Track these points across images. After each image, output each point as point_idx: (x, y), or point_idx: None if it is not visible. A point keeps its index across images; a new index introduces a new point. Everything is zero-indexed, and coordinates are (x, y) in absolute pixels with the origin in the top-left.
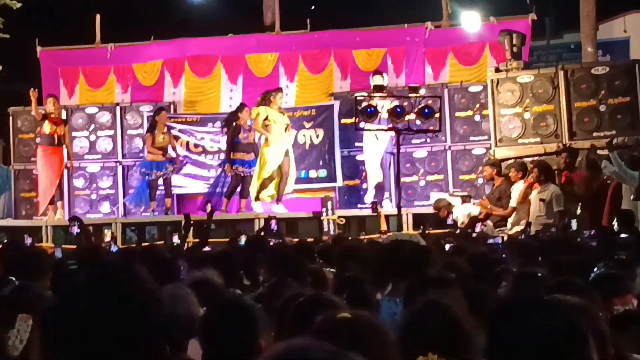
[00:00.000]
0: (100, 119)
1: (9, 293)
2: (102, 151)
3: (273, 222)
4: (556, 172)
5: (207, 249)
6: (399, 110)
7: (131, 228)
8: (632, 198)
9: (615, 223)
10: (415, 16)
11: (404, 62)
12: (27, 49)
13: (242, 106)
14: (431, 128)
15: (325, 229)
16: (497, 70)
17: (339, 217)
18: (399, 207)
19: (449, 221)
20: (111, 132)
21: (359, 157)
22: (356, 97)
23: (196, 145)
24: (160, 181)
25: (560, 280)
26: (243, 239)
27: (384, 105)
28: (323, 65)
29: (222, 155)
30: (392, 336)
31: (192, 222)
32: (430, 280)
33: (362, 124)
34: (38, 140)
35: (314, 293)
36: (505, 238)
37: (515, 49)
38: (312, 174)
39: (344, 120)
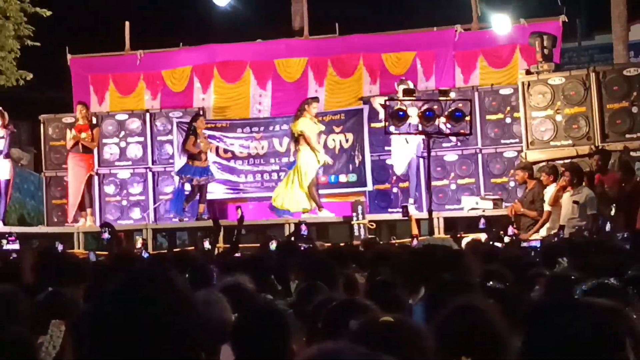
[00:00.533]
0: (130, 125)
1: (42, 299)
2: (132, 157)
3: (303, 226)
4: (588, 174)
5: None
6: (429, 113)
7: (162, 234)
8: None
9: None
10: (444, 19)
11: (434, 65)
12: (58, 56)
13: (197, 115)
14: (462, 131)
15: (356, 234)
16: (528, 72)
17: (369, 221)
18: (430, 211)
19: (481, 225)
20: (141, 139)
21: (388, 161)
22: (386, 101)
23: (225, 151)
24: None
25: (594, 282)
26: (274, 244)
27: (413, 109)
28: (352, 69)
29: (254, 161)
30: (431, 341)
31: (221, 227)
32: (450, 285)
33: (391, 128)
34: (68, 147)
35: (346, 298)
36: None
37: (546, 51)
38: (342, 178)
39: (373, 124)
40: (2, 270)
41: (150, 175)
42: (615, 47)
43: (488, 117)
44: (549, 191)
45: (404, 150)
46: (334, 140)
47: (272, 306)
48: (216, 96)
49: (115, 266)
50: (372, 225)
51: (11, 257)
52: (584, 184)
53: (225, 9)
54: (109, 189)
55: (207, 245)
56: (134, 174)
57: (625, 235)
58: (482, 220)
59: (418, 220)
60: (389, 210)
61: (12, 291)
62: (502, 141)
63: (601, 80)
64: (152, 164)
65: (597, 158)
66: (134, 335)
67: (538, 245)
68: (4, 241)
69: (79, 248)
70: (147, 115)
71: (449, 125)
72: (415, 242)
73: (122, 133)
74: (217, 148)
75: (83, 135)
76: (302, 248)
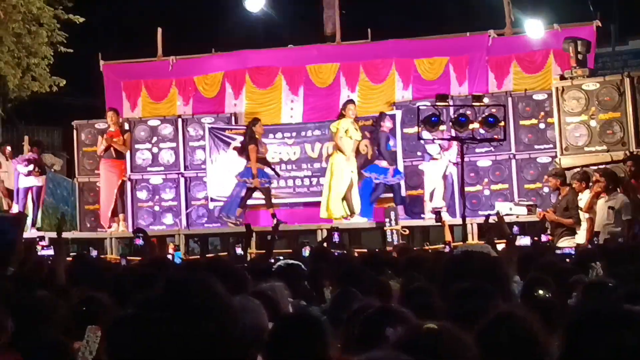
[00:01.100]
0: (163, 131)
1: (78, 305)
2: (164, 163)
3: (336, 233)
4: (623, 180)
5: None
6: (462, 119)
7: (194, 239)
8: None
9: None
10: (477, 24)
11: (467, 70)
12: (91, 63)
13: (255, 120)
14: (496, 137)
15: (389, 240)
16: (562, 77)
17: (402, 227)
18: (463, 217)
19: (515, 231)
20: (173, 144)
21: (421, 167)
22: (418, 106)
23: None
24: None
25: (630, 289)
26: (307, 250)
27: (447, 114)
28: (384, 74)
29: (285, 166)
30: (475, 349)
31: (253, 232)
32: (468, 292)
33: (424, 134)
34: (100, 153)
35: (382, 305)
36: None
37: (580, 56)
38: None
39: (406, 130)
40: (37, 276)
41: (182, 180)
42: None
43: (522, 122)
44: (584, 198)
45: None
46: (366, 146)
47: (308, 313)
48: (248, 102)
49: (149, 272)
50: (405, 231)
51: (49, 262)
52: (619, 190)
53: (257, 15)
54: (142, 194)
55: (239, 250)
56: (166, 180)
57: None
58: (515, 228)
59: (451, 226)
60: (422, 216)
61: (48, 297)
62: (536, 147)
63: (635, 85)
64: (184, 170)
65: (631, 164)
66: (175, 341)
67: (572, 252)
68: (39, 247)
69: (111, 253)
70: (179, 121)
71: (482, 131)
72: (448, 248)
73: (155, 139)
74: None
75: (117, 143)
76: (335, 254)
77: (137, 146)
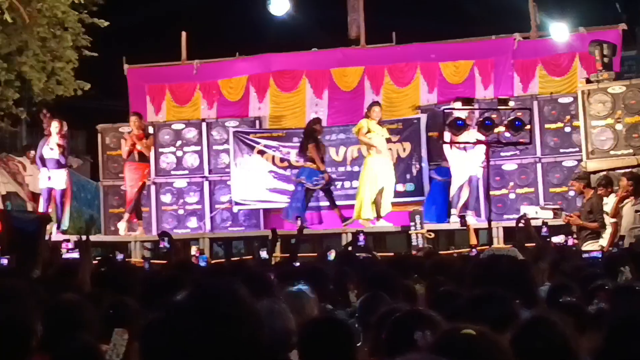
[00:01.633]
0: (187, 134)
1: (105, 308)
2: (188, 167)
3: (361, 236)
4: None
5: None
6: (488, 122)
7: (218, 243)
8: None
9: None
10: (503, 28)
11: (492, 74)
12: (115, 67)
13: (316, 120)
14: (521, 140)
15: (414, 243)
16: (588, 81)
17: (427, 231)
18: (489, 221)
19: (544, 232)
20: (197, 148)
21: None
22: (444, 110)
23: (282, 160)
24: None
25: None
26: (332, 254)
27: (472, 118)
28: (409, 78)
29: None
30: (511, 354)
31: (278, 236)
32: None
33: (449, 137)
34: (124, 157)
35: (411, 308)
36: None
37: (606, 60)
38: (400, 187)
39: (431, 133)
40: (63, 279)
41: (206, 184)
42: None
43: (547, 126)
44: (609, 202)
45: (462, 161)
46: (390, 149)
47: (336, 317)
48: (272, 105)
49: (175, 275)
50: (430, 234)
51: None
52: None
53: (281, 18)
54: (166, 198)
55: (264, 254)
56: (191, 183)
57: None
58: (545, 229)
59: (476, 230)
60: (447, 219)
61: (77, 300)
62: (562, 150)
63: None
64: (209, 173)
65: None
66: (201, 348)
67: (599, 255)
68: (64, 250)
69: (135, 257)
70: (204, 124)
71: (507, 135)
72: (474, 251)
73: (179, 142)
74: (273, 157)
75: (138, 146)
76: (361, 258)
77: (161, 150)
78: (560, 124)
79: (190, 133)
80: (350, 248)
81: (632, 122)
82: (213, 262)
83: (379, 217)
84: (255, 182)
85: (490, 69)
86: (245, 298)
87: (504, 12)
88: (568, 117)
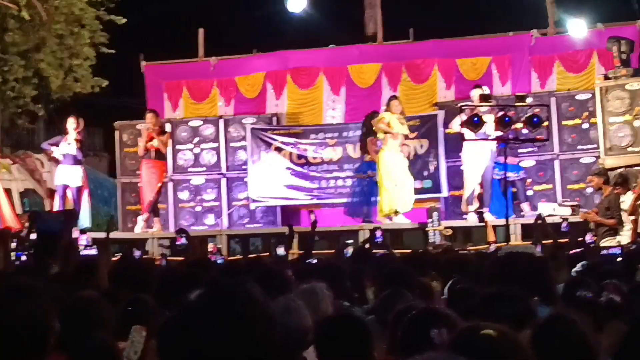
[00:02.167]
0: (204, 131)
1: (123, 305)
2: (205, 164)
3: (378, 232)
4: None
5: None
6: (506, 119)
7: (235, 240)
8: None
9: None
10: (520, 24)
11: (510, 70)
12: (132, 64)
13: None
14: (539, 137)
15: (431, 240)
16: (606, 77)
17: (445, 227)
18: (506, 218)
19: (564, 228)
20: (215, 145)
21: (462, 167)
22: (461, 106)
23: (299, 157)
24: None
25: None
26: (349, 251)
27: (489, 115)
28: (427, 74)
29: (327, 167)
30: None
31: (295, 233)
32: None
33: (466, 134)
34: (140, 154)
35: (427, 306)
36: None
37: (623, 56)
38: (417, 184)
39: (448, 130)
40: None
41: (224, 181)
42: None
43: (565, 122)
44: (626, 200)
45: (478, 157)
46: (408, 145)
47: (353, 314)
48: (289, 102)
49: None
50: (447, 231)
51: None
52: None
53: (299, 15)
54: (183, 194)
55: (281, 251)
56: (208, 180)
57: None
58: (565, 224)
59: (494, 227)
60: (464, 216)
61: (94, 297)
62: (579, 147)
63: None
64: (226, 170)
65: None
66: (216, 348)
67: (618, 252)
68: (81, 247)
69: (152, 254)
70: (221, 121)
71: (525, 131)
72: (492, 247)
73: (196, 139)
74: (290, 154)
75: (155, 142)
76: (378, 255)
77: (178, 147)
78: (578, 121)
79: (208, 130)
80: (367, 245)
81: None
82: (230, 259)
83: (396, 213)
84: (273, 179)
85: (508, 66)
86: (258, 297)
87: (522, 9)
88: (586, 113)
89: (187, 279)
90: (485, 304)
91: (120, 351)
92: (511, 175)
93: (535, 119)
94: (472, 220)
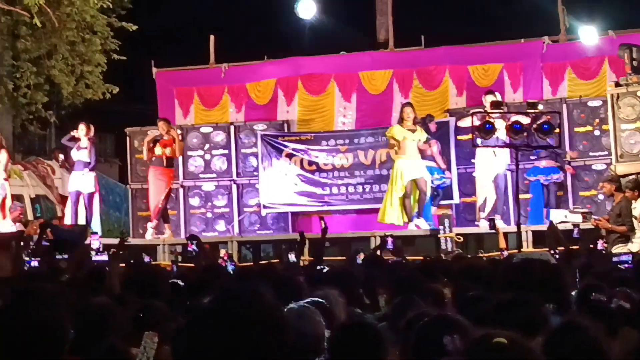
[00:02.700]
0: (215, 138)
1: (135, 311)
2: (216, 170)
3: (389, 239)
4: None
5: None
6: (517, 126)
7: (246, 246)
8: None
9: None
10: (532, 31)
11: (521, 77)
12: (143, 70)
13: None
14: (550, 144)
15: (443, 247)
16: (617, 84)
17: (456, 234)
18: (518, 225)
19: (575, 234)
20: (225, 151)
21: (474, 174)
22: (472, 113)
23: (310, 163)
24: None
25: None
26: (361, 258)
27: (500, 121)
28: (438, 81)
29: (338, 173)
30: None
31: (306, 239)
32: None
33: (478, 141)
34: (146, 159)
35: (439, 313)
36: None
37: (635, 63)
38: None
39: (459, 137)
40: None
41: (234, 187)
42: None
43: (576, 129)
44: (638, 206)
45: (490, 164)
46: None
47: (366, 321)
48: (300, 109)
49: (204, 279)
50: (459, 238)
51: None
52: None
53: (309, 21)
54: (194, 201)
55: (292, 257)
56: (219, 187)
57: None
58: (576, 230)
59: (505, 234)
60: (476, 223)
61: (107, 303)
62: (591, 154)
63: None
64: (237, 177)
65: None
66: (226, 351)
67: (629, 259)
68: (93, 252)
69: (163, 260)
70: (232, 128)
71: (536, 138)
72: (504, 254)
73: (207, 146)
74: (301, 160)
75: (168, 150)
76: (390, 261)
77: (189, 153)
78: (589, 128)
79: (219, 136)
80: (378, 252)
81: None
82: (241, 265)
83: (409, 219)
84: (284, 186)
85: (519, 73)
86: (270, 302)
87: (533, 16)
88: (597, 120)
89: (198, 285)
90: (499, 311)
91: (132, 357)
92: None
93: (546, 126)
94: (483, 227)
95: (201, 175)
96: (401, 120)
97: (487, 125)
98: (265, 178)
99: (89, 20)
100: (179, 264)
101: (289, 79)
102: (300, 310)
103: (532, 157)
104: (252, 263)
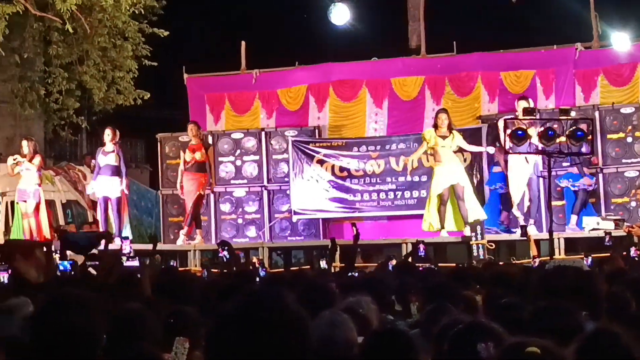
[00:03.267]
0: (246, 144)
1: (166, 317)
2: (247, 176)
3: (421, 246)
4: None
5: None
6: (550, 133)
7: (277, 252)
8: None
9: None
10: (564, 37)
11: (554, 84)
12: (174, 76)
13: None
14: (583, 151)
15: (475, 254)
16: None
17: (488, 241)
18: (550, 232)
19: (607, 242)
20: (256, 157)
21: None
22: (505, 120)
23: (342, 170)
24: None
25: None
26: (392, 264)
27: (533, 128)
28: (470, 88)
29: (370, 180)
30: None
31: (337, 246)
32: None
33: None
34: (181, 167)
35: (473, 320)
36: None
37: None
38: None
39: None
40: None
41: (265, 193)
42: None
43: (609, 136)
44: None
45: (522, 170)
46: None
47: (398, 328)
48: (332, 115)
49: (234, 284)
50: (491, 245)
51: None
52: None
53: (341, 27)
54: (225, 207)
55: (323, 264)
56: (250, 192)
57: None
58: (607, 238)
59: (537, 241)
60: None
61: (139, 309)
62: (623, 160)
63: None
64: (268, 183)
65: None
66: (248, 354)
67: None
68: (124, 258)
69: (195, 266)
70: (263, 134)
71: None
72: (536, 261)
73: (238, 152)
74: (332, 166)
75: (197, 155)
76: (421, 268)
77: (220, 159)
78: (621, 134)
79: (250, 142)
80: (410, 259)
81: None
82: (272, 271)
83: (442, 226)
84: (315, 192)
85: (552, 79)
86: (292, 306)
87: (565, 22)
88: (630, 127)
89: (229, 291)
90: (535, 318)
91: None
92: (575, 184)
93: (579, 133)
94: (515, 234)
95: (232, 181)
96: (435, 126)
97: (520, 132)
98: (296, 184)
99: (120, 26)
100: (211, 270)
101: (320, 85)
102: (331, 317)
103: (564, 165)
104: (283, 269)
